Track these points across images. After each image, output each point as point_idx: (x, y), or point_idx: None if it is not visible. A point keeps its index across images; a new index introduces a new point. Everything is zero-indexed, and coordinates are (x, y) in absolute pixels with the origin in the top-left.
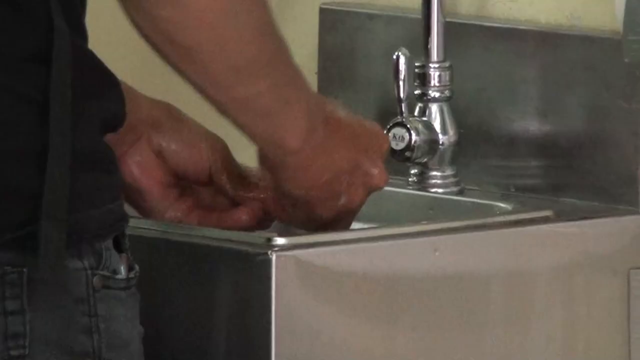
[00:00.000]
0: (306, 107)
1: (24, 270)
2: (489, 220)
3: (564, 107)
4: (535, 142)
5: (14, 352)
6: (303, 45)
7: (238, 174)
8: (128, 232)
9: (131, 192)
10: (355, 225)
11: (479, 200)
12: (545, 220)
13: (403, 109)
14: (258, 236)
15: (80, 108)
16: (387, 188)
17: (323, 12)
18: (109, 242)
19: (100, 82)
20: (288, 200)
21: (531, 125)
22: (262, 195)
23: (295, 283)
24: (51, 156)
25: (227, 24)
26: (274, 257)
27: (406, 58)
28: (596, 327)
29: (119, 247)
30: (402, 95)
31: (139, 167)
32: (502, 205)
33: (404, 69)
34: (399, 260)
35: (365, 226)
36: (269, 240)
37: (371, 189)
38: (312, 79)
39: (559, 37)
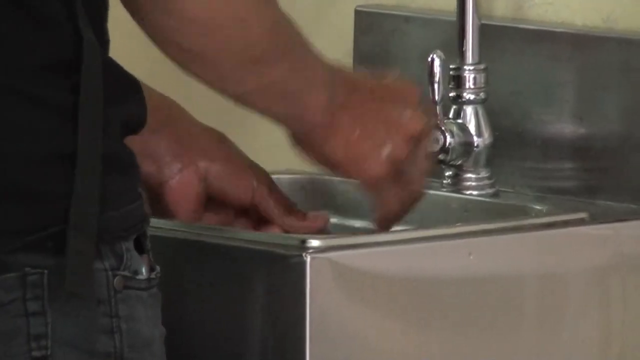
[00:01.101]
0: (323, 80)
1: (45, 271)
2: (524, 222)
3: (599, 110)
4: (570, 145)
5: (36, 353)
6: (338, 47)
7: (285, 203)
8: (163, 234)
9: (161, 209)
10: None
11: (513, 203)
12: (580, 222)
13: (438, 111)
14: (292, 238)
15: (104, 114)
16: None
17: (358, 14)
18: (130, 243)
19: (121, 87)
20: (336, 170)
21: (566, 127)
22: (312, 225)
23: (329, 285)
24: (80, 164)
25: (235, 29)
26: (308, 259)
27: (441, 60)
28: (631, 330)
29: (140, 247)
30: (437, 97)
31: (178, 197)
32: (536, 207)
33: (439, 72)
34: (434, 262)
35: (400, 228)
36: (303, 242)
37: (409, 135)
38: None
39: (595, 40)
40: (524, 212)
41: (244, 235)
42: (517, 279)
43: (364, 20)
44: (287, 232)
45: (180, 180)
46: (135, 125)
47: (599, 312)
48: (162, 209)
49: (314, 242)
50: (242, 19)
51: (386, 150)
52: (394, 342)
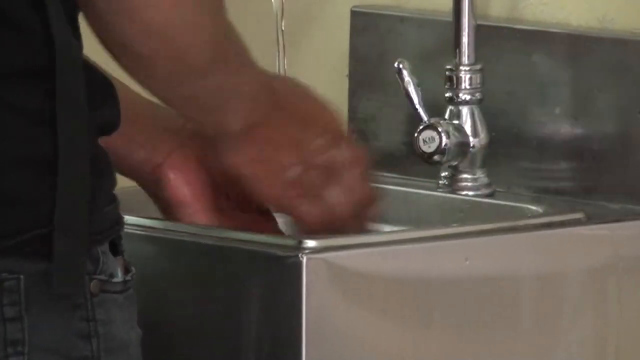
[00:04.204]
0: (249, 91)
1: (21, 277)
2: (520, 223)
3: (595, 110)
4: (567, 145)
5: (13, 359)
6: (334, 47)
7: None
8: (158, 235)
9: (166, 202)
10: (386, 227)
11: (509, 203)
12: (576, 222)
13: (422, 114)
14: (288, 238)
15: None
16: (417, 191)
17: (354, 14)
18: (106, 246)
19: (96, 88)
20: (238, 181)
21: (562, 127)
22: None
23: (325, 286)
24: (62, 167)
25: (183, 34)
26: (304, 260)
27: (408, 68)
28: (627, 330)
29: (115, 249)
30: (416, 102)
31: (179, 176)
32: (533, 207)
33: (410, 78)
34: (430, 263)
35: (396, 229)
36: (300, 242)
37: (318, 162)
38: (342, 82)
39: (590, 40)
40: (520, 213)
41: (240, 235)
42: (513, 280)
43: (360, 21)
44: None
45: (177, 157)
46: (109, 126)
47: (595, 312)
48: (163, 199)
49: (310, 243)
50: (192, 24)
51: (290, 174)
52: (390, 343)
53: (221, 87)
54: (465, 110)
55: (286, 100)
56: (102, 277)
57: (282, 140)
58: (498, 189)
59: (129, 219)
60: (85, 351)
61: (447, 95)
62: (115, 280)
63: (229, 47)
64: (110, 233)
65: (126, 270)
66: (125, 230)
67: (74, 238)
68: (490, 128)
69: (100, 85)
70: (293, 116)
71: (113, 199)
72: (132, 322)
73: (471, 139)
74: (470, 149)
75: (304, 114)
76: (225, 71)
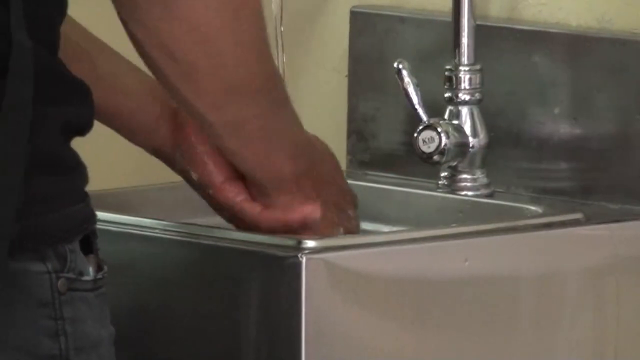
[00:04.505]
0: (294, 135)
1: None
2: (519, 223)
3: (594, 110)
4: (566, 145)
5: None
6: (334, 48)
7: None
8: (157, 235)
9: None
10: (385, 228)
11: (509, 203)
12: (575, 223)
13: (421, 115)
14: (288, 239)
15: (38, 115)
16: (417, 191)
17: (354, 15)
18: (75, 244)
19: (62, 90)
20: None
21: (561, 128)
22: None
23: (325, 286)
24: None
25: (226, 40)
26: (304, 260)
27: (408, 68)
28: (626, 330)
29: (89, 247)
30: (415, 102)
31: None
32: (532, 208)
33: (409, 78)
34: (429, 263)
35: (395, 229)
36: (299, 243)
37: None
38: (342, 82)
39: (589, 40)
40: (520, 213)
41: (239, 235)
42: (512, 280)
43: (359, 21)
44: None
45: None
46: (80, 126)
47: (594, 312)
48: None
49: (310, 243)
50: (243, 42)
51: (334, 229)
52: (390, 343)
53: (266, 118)
54: (464, 111)
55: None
56: (71, 275)
57: (327, 195)
58: (497, 189)
59: (129, 219)
60: (53, 350)
61: (446, 95)
62: (85, 278)
63: (275, 80)
64: (80, 231)
65: (99, 268)
66: (124, 230)
67: None
68: (490, 128)
69: (65, 85)
70: (322, 174)
71: (83, 197)
72: (104, 320)
73: (470, 139)
74: (470, 149)
75: (337, 192)
76: (271, 105)
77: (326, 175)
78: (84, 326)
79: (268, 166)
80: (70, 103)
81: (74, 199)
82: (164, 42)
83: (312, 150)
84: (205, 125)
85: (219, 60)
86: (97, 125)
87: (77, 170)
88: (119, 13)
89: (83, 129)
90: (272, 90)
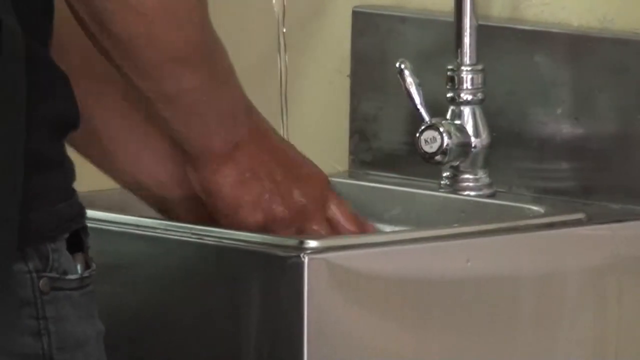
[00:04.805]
0: (237, 109)
1: None
2: (521, 223)
3: (595, 110)
4: (567, 145)
5: None
6: (335, 48)
7: None
8: (159, 235)
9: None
10: (387, 228)
11: (510, 203)
12: (577, 223)
13: (423, 115)
14: (290, 239)
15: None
16: (418, 191)
17: (355, 15)
18: (60, 243)
19: (49, 83)
20: (212, 203)
21: (563, 128)
22: None
23: (326, 286)
24: None
25: (165, 19)
26: (306, 260)
27: (410, 68)
28: (627, 330)
29: (80, 244)
30: (417, 102)
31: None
32: (534, 208)
33: (411, 78)
34: (431, 263)
35: (397, 229)
36: (301, 242)
37: (298, 210)
38: (344, 82)
39: (591, 40)
40: (522, 213)
41: (241, 235)
42: (514, 280)
43: (361, 21)
44: None
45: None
46: (67, 123)
47: (596, 312)
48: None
49: (312, 243)
50: (179, 16)
51: (266, 208)
52: (391, 343)
53: (204, 91)
54: (466, 111)
55: (269, 139)
56: (54, 274)
57: (265, 171)
58: (499, 189)
59: (129, 218)
60: (36, 349)
61: (448, 95)
62: (69, 277)
63: (215, 54)
64: (64, 229)
65: (87, 266)
66: (125, 230)
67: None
68: (492, 128)
69: (53, 79)
70: (281, 163)
71: (69, 195)
72: (91, 319)
73: (473, 139)
74: (472, 149)
75: (293, 167)
76: (210, 78)
77: (276, 154)
78: (68, 325)
79: (200, 140)
80: (56, 97)
81: (59, 197)
82: (100, 18)
83: (256, 126)
84: (143, 97)
85: (157, 37)
86: None
87: (62, 167)
88: None
89: (69, 125)
90: (210, 65)
